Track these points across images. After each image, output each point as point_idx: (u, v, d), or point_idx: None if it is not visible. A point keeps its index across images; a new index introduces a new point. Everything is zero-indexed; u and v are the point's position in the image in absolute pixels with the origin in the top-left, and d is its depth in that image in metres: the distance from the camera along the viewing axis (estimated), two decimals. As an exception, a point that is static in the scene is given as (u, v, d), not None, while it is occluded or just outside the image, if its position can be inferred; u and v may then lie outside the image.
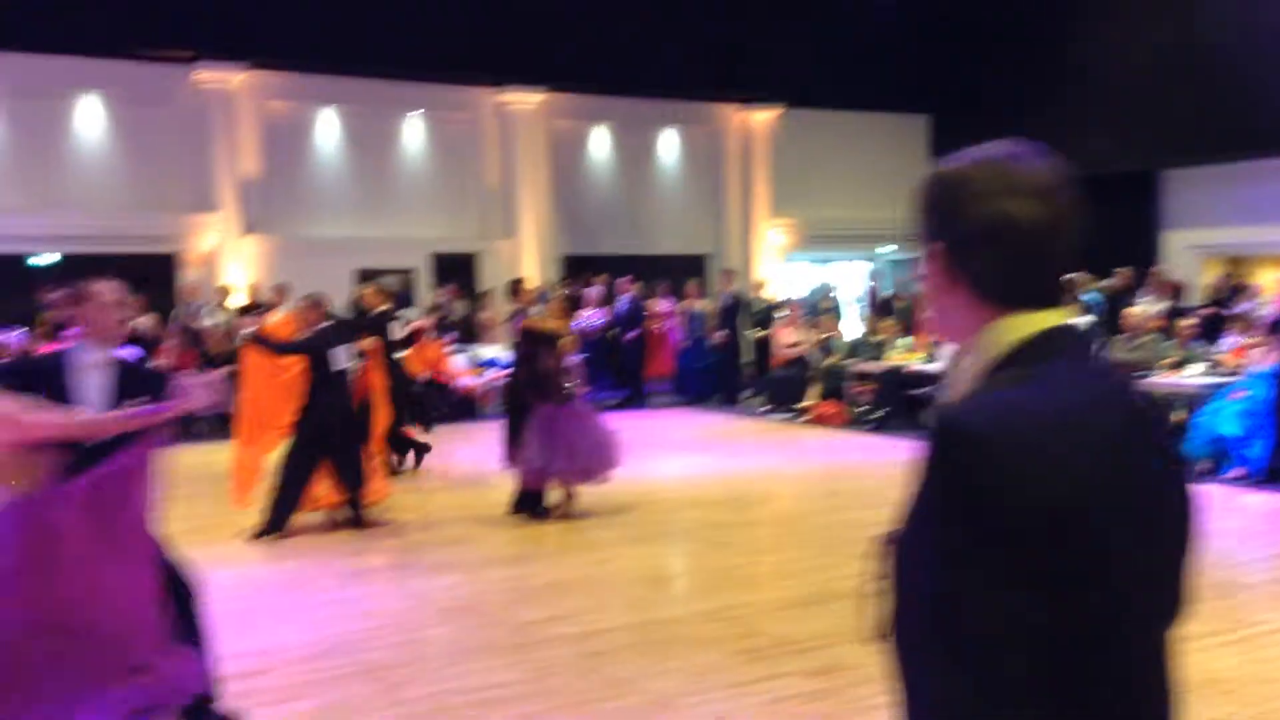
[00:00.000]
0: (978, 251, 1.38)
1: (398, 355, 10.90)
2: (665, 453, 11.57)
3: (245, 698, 4.82)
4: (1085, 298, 13.08)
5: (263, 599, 6.45)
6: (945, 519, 1.24)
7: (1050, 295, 1.40)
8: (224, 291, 15.32)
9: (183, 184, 16.31)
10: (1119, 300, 13.59)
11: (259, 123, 16.70)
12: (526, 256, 18.32)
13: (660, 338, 16.54)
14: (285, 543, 7.95)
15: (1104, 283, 14.19)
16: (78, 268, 15.18)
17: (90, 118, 15.95)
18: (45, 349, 12.92)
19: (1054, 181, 1.39)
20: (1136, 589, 1.32)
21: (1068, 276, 1.52)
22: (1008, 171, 1.37)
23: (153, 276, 15.53)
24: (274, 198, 16.89)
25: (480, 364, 15.54)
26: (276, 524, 7.87)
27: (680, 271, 18.04)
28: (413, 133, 17.99)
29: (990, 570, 1.22)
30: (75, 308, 4.20)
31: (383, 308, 10.81)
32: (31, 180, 15.49)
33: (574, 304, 16.66)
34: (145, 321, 14.04)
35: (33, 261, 15.41)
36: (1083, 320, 12.37)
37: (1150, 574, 1.35)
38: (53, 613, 3.64)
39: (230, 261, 16.34)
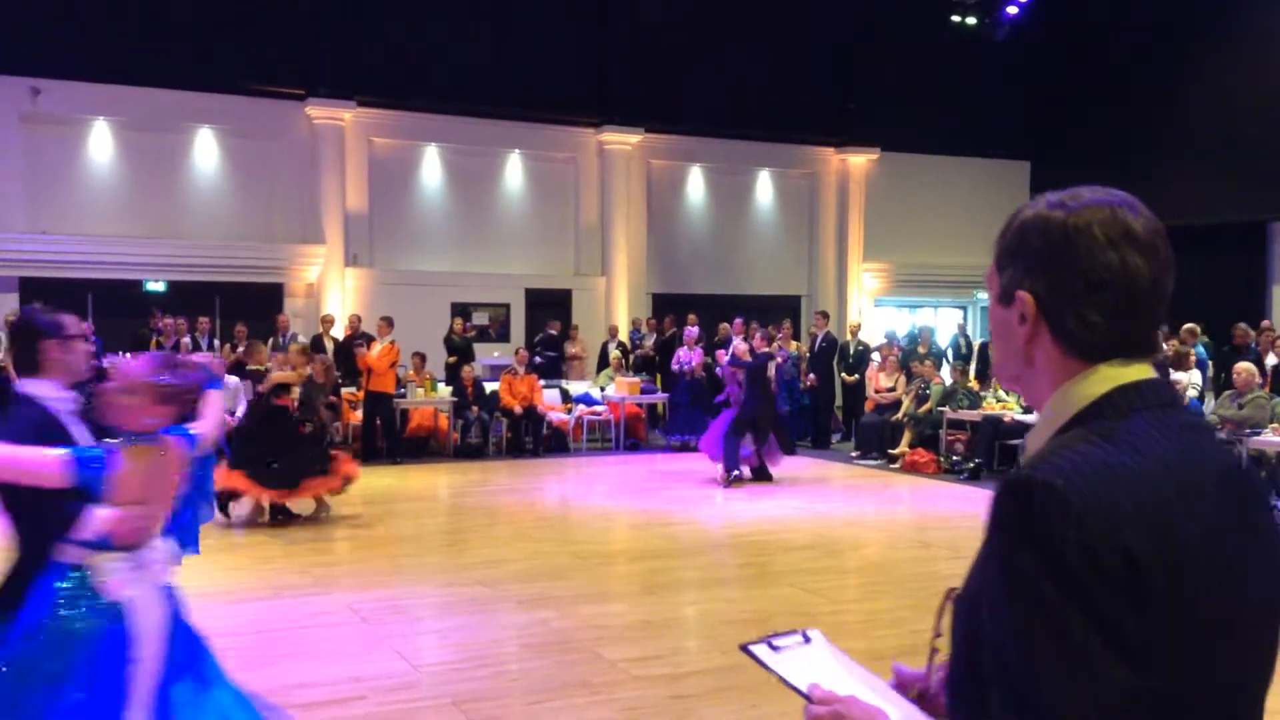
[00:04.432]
0: (1081, 301, 1.32)
1: None
2: (754, 495, 11.51)
3: (340, 724, 4.90)
4: (1196, 351, 12.71)
5: (356, 628, 6.56)
6: (1021, 578, 1.17)
7: (1144, 348, 1.35)
8: (329, 322, 15.62)
9: (290, 216, 16.79)
10: (1231, 355, 13.17)
11: (365, 159, 17.15)
12: (618, 294, 18.47)
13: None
14: (378, 572, 8.08)
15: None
16: (187, 294, 15.78)
17: (204, 151, 16.53)
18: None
19: (1158, 233, 1.35)
20: (1227, 653, 1.25)
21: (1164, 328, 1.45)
22: (1121, 219, 1.33)
23: (258, 306, 16.01)
24: (376, 231, 17.30)
25: (573, 400, 15.62)
26: None
27: (771, 312, 17.99)
28: (513, 171, 18.30)
29: (1069, 632, 1.15)
30: None
31: None
32: (147, 209, 16.07)
33: (670, 342, 16.71)
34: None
35: (149, 288, 15.95)
36: (1194, 375, 12.04)
37: (1243, 638, 1.28)
38: None
39: (332, 292, 16.75)
